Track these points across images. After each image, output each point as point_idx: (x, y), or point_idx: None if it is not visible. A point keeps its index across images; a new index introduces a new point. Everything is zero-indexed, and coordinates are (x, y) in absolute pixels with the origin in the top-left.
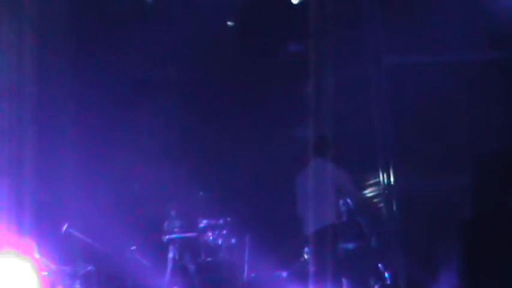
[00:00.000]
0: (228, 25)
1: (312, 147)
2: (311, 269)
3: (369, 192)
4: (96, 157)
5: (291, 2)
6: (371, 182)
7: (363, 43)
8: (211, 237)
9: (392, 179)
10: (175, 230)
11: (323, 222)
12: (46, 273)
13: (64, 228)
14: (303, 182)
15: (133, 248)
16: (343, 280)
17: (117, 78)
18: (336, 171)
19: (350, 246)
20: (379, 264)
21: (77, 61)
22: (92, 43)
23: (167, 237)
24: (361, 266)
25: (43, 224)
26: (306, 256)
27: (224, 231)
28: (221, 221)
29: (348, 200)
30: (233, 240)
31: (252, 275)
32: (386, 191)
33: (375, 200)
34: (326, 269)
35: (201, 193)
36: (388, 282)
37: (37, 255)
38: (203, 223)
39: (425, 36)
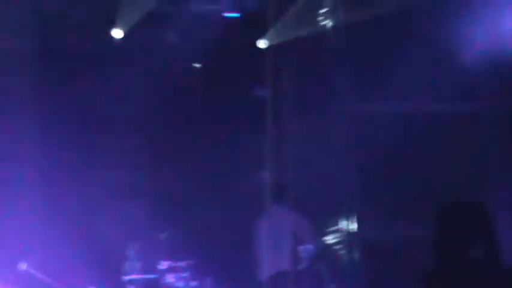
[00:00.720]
0: (195, 67)
1: (272, 195)
2: None
3: (330, 239)
4: (58, 193)
5: (257, 47)
6: (333, 228)
7: (327, 90)
8: (172, 280)
9: (355, 226)
10: (136, 271)
11: (278, 268)
12: None
13: (23, 267)
14: (261, 228)
15: None
16: None
17: (82, 114)
18: (295, 219)
19: None
20: None
21: (37, 96)
22: (54, 80)
23: (127, 278)
24: None
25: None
26: None
27: (185, 274)
28: (183, 264)
29: (309, 247)
30: (194, 284)
31: None
32: (348, 238)
33: (336, 247)
34: None
35: (163, 234)
36: None
37: None
38: (164, 265)
39: (390, 85)
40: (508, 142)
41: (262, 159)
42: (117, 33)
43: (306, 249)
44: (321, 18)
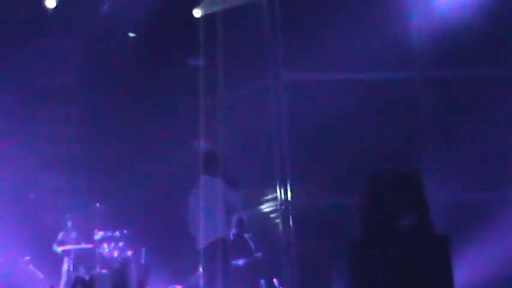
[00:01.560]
0: (130, 36)
1: (201, 164)
2: (202, 283)
3: (266, 207)
4: None
5: (193, 15)
6: (268, 197)
7: (263, 58)
8: (107, 249)
9: (289, 194)
10: (71, 241)
11: (212, 237)
12: None
13: None
14: (194, 200)
15: (27, 258)
16: None
17: (17, 85)
18: (224, 188)
19: (240, 262)
20: (274, 279)
21: None
22: None
23: (61, 248)
24: (250, 281)
25: None
26: (201, 270)
27: (120, 244)
28: (117, 233)
29: (241, 217)
30: (129, 253)
31: None
32: (282, 207)
33: (271, 216)
34: (216, 284)
35: (97, 204)
36: None
37: None
38: (99, 235)
39: (325, 54)
40: (440, 111)
41: (198, 129)
42: (50, 2)
43: (239, 218)
44: None
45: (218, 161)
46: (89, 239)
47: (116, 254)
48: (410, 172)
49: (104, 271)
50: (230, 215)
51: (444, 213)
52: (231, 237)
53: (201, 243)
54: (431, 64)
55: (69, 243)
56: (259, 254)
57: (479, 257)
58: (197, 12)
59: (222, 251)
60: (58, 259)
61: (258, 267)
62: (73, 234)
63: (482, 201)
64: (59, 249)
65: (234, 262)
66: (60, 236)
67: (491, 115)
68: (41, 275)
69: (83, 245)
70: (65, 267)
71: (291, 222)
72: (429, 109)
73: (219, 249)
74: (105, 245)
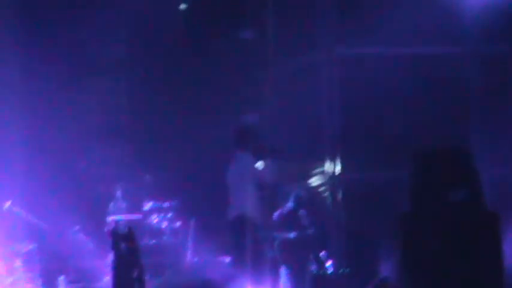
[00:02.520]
0: (180, 8)
1: (233, 140)
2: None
3: (314, 181)
4: (40, 135)
5: None
6: (317, 171)
7: (313, 32)
8: (155, 220)
9: (337, 169)
10: (121, 211)
11: (234, 212)
12: None
13: (6, 206)
14: (228, 175)
15: (77, 227)
16: (282, 269)
17: (64, 56)
18: (254, 164)
19: (291, 235)
20: (322, 253)
21: (22, 38)
22: (39, 21)
23: (112, 218)
24: (301, 255)
25: None
26: None
27: (169, 215)
28: (166, 204)
29: (299, 193)
30: (178, 224)
31: (195, 259)
32: (331, 181)
33: (320, 189)
34: (243, 257)
35: (146, 175)
36: (330, 271)
37: None
38: (148, 206)
39: (375, 29)
40: (490, 87)
41: (252, 100)
42: None
43: (296, 194)
44: None
45: (250, 137)
46: (139, 209)
47: (164, 225)
48: (461, 147)
49: (152, 242)
50: (263, 190)
51: (493, 190)
52: (285, 212)
53: (230, 216)
54: (483, 39)
55: (119, 213)
56: (311, 231)
57: None
58: None
59: (240, 226)
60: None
61: (307, 242)
62: (123, 205)
63: None
64: (110, 218)
65: (285, 235)
66: (110, 205)
67: None
68: (90, 245)
69: (132, 216)
70: None
71: (339, 196)
72: (479, 85)
73: (238, 224)
74: (154, 216)
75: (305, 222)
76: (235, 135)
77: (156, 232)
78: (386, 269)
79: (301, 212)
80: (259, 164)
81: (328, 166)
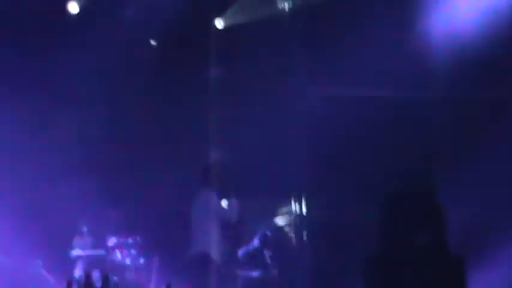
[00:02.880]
0: (152, 44)
1: (199, 177)
2: None
3: (280, 220)
4: (4, 166)
5: (216, 27)
6: (284, 210)
7: (283, 72)
8: (119, 256)
9: (304, 209)
10: (85, 246)
11: (199, 250)
12: None
13: None
14: (192, 211)
15: (39, 262)
16: None
17: (32, 89)
18: (218, 201)
19: (254, 274)
20: None
21: None
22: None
23: (75, 253)
24: None
25: None
26: None
27: (133, 251)
28: (130, 240)
29: (265, 232)
30: (141, 261)
31: None
32: (297, 221)
33: (286, 229)
34: None
35: (111, 210)
36: None
37: None
38: (112, 241)
39: (345, 70)
40: (460, 131)
41: (212, 140)
42: (73, 7)
43: (263, 233)
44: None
45: (210, 173)
46: (102, 245)
47: (128, 261)
48: (429, 192)
49: (115, 278)
50: (226, 228)
51: (460, 232)
52: (250, 250)
53: (191, 253)
54: (451, 84)
55: (83, 248)
56: (275, 271)
57: (495, 277)
58: (219, 23)
59: (202, 263)
60: (70, 264)
61: (271, 282)
62: (87, 240)
63: (498, 221)
64: (74, 253)
65: (249, 274)
66: (74, 240)
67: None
68: (51, 279)
69: (96, 252)
70: (77, 272)
71: (305, 236)
72: (448, 129)
73: (199, 261)
74: (118, 252)
75: (270, 262)
76: (201, 172)
77: (120, 268)
78: None
79: (266, 251)
80: (223, 202)
81: (294, 206)
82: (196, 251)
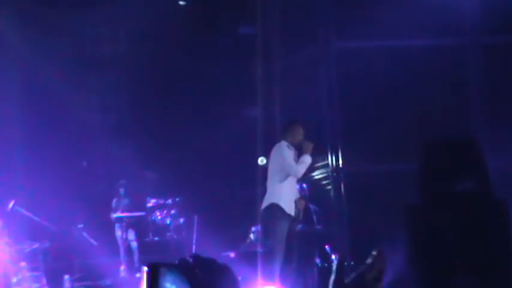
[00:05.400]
0: (180, 4)
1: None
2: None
3: (317, 174)
4: (42, 133)
5: None
6: (319, 164)
7: (312, 26)
8: (159, 217)
9: (340, 161)
10: (124, 208)
11: (266, 201)
12: None
13: (10, 205)
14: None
15: (81, 225)
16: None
17: (65, 54)
18: (280, 152)
19: (298, 228)
20: (327, 246)
21: (23, 34)
22: (38, 16)
23: (115, 215)
24: (306, 248)
25: None
26: (252, 237)
27: (172, 211)
28: (169, 201)
29: (304, 185)
30: (181, 220)
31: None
32: (334, 173)
33: (323, 182)
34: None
35: (149, 172)
36: (335, 265)
37: None
38: (151, 202)
39: (374, 21)
40: (490, 77)
41: (253, 95)
42: None
43: (302, 187)
44: None
45: (288, 128)
46: (142, 206)
47: (168, 221)
48: (467, 137)
49: (156, 238)
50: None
51: (496, 180)
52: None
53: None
54: (482, 29)
55: (122, 210)
56: (319, 227)
57: None
58: None
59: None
60: (111, 226)
61: (313, 237)
62: (125, 201)
63: None
64: (113, 216)
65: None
66: (113, 203)
67: None
68: (94, 242)
69: (136, 213)
70: (118, 233)
71: (342, 189)
72: (480, 75)
73: (270, 213)
74: (158, 213)
75: (314, 218)
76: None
77: (160, 229)
78: (391, 262)
79: (312, 207)
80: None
81: (330, 159)
82: (264, 204)
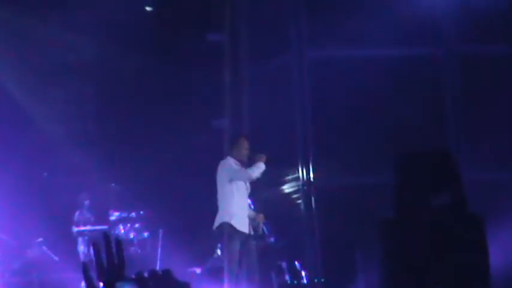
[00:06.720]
0: (147, 10)
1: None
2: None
3: (287, 188)
4: (2, 143)
5: None
6: (290, 177)
7: (285, 35)
8: (122, 231)
9: (311, 175)
10: (86, 221)
11: (217, 221)
12: None
13: None
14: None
15: (40, 239)
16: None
17: (27, 61)
18: (225, 163)
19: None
20: (296, 262)
21: None
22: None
23: (77, 229)
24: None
25: None
26: (219, 252)
27: (136, 225)
28: (133, 214)
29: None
30: (146, 235)
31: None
32: (305, 187)
33: (293, 196)
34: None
35: (113, 184)
36: (305, 281)
37: None
38: (114, 216)
39: (349, 30)
40: (466, 86)
41: (221, 105)
42: None
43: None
44: None
45: (233, 142)
46: (104, 219)
47: (132, 235)
48: (442, 150)
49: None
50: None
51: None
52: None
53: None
54: (458, 40)
55: (84, 223)
56: (271, 239)
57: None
58: None
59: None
60: (72, 240)
61: (270, 251)
62: (88, 214)
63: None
64: (75, 229)
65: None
66: (75, 216)
67: None
68: (55, 257)
69: (99, 226)
70: (80, 248)
71: (313, 203)
72: (455, 85)
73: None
74: (121, 227)
75: (264, 230)
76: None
77: (124, 243)
78: (363, 277)
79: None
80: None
81: (301, 172)
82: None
